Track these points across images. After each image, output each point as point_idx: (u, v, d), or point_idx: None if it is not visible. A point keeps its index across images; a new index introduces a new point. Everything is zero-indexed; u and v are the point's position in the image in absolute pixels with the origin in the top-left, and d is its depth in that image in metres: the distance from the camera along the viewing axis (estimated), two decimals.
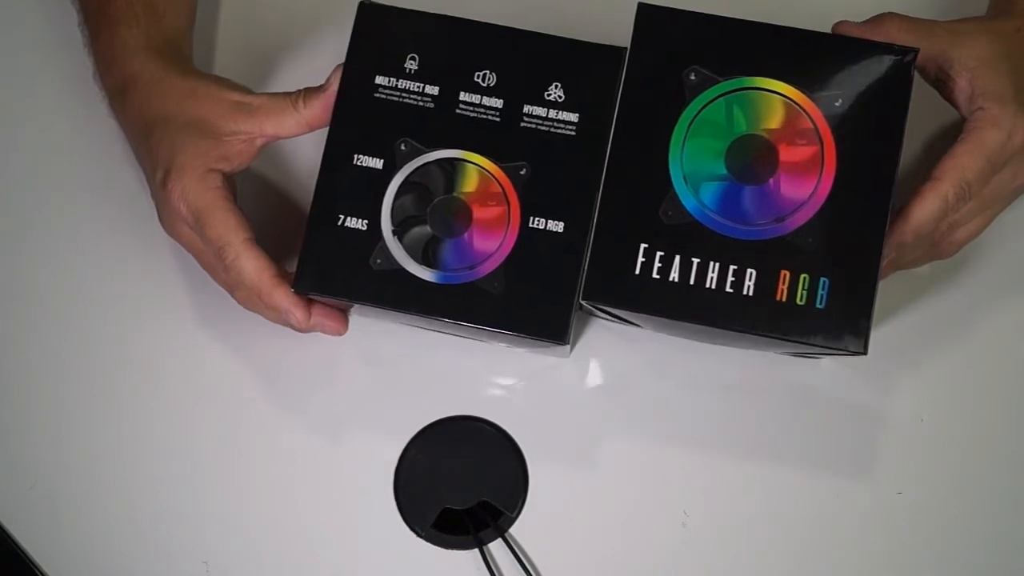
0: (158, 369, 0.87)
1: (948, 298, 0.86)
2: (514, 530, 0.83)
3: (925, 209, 0.75)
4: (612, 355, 0.86)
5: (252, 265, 0.78)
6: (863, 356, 0.82)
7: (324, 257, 0.76)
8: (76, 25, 0.89)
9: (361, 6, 0.78)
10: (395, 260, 0.75)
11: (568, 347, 0.82)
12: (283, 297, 0.78)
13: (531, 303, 0.75)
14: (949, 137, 0.77)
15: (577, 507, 0.84)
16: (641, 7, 0.77)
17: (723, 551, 0.83)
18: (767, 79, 0.76)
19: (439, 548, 0.84)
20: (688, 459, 0.84)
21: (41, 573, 0.84)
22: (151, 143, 0.81)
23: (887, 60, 0.75)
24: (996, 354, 0.85)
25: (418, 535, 0.84)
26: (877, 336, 0.82)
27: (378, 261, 0.76)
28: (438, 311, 0.75)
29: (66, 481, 0.85)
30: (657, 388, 0.85)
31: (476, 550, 0.83)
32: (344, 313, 0.83)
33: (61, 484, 0.85)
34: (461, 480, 0.84)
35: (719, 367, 0.85)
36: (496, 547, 0.83)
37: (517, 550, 0.83)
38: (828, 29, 0.78)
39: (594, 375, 0.86)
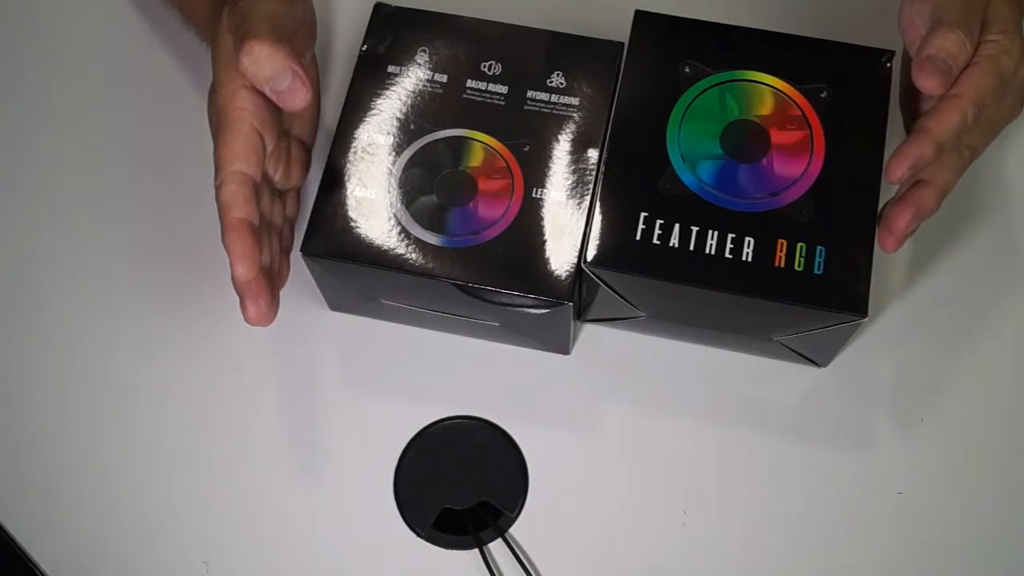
0: (158, 369, 0.88)
1: (948, 298, 0.87)
2: (514, 530, 0.83)
3: (948, 122, 0.73)
4: (612, 356, 0.87)
5: (226, 198, 0.75)
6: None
7: (332, 222, 0.78)
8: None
9: (376, 7, 0.84)
10: (402, 225, 0.78)
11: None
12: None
13: (535, 266, 0.77)
14: None
15: (577, 507, 0.83)
16: (638, 13, 0.82)
17: (723, 551, 0.82)
18: (756, 72, 0.80)
19: (439, 548, 0.83)
20: (688, 459, 0.84)
21: (41, 573, 0.83)
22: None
23: (867, 59, 0.79)
24: (996, 354, 0.86)
25: (418, 535, 0.83)
26: (876, 337, 0.85)
27: (386, 227, 0.78)
28: (442, 273, 0.77)
29: (66, 481, 0.85)
30: (657, 389, 0.86)
31: (476, 550, 0.82)
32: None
33: (61, 484, 0.85)
34: (461, 480, 0.84)
35: (721, 368, 0.86)
36: (496, 547, 0.83)
37: (517, 550, 0.82)
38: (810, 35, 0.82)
39: (594, 375, 0.87)
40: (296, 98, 0.75)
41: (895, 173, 0.72)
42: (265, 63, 0.73)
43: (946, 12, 0.74)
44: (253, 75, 0.74)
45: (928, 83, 0.72)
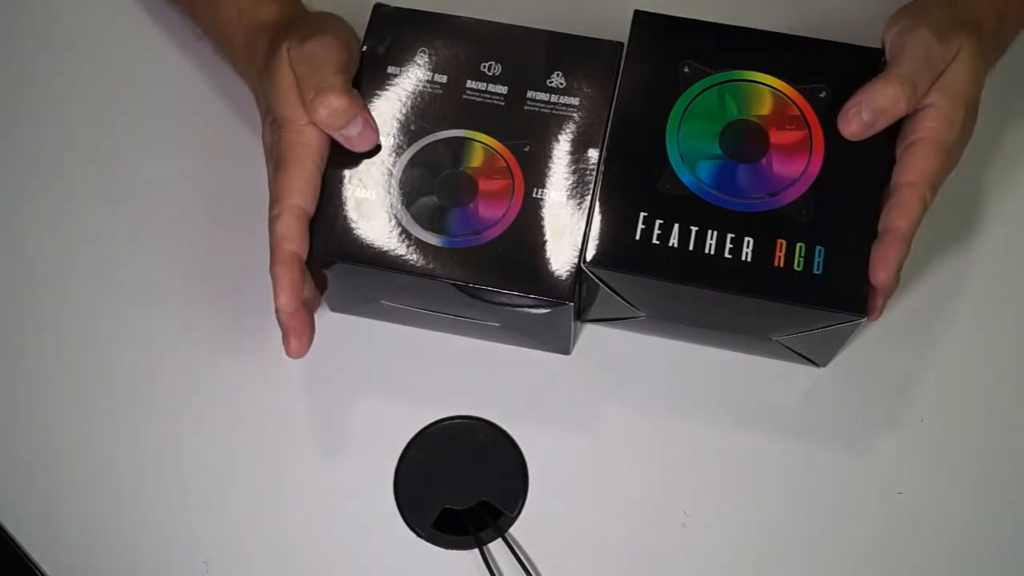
0: (157, 370, 0.88)
1: (947, 299, 0.87)
2: (514, 530, 0.83)
3: (913, 214, 0.75)
4: (612, 356, 0.87)
5: (281, 230, 0.77)
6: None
7: (333, 223, 0.78)
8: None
9: (376, 7, 0.84)
10: (402, 226, 0.78)
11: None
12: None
13: (535, 266, 0.77)
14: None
15: (577, 507, 0.84)
16: (638, 13, 0.82)
17: (723, 551, 0.82)
18: (755, 72, 0.80)
19: (439, 548, 0.83)
20: (688, 459, 0.84)
21: (41, 573, 0.83)
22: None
23: (866, 59, 0.79)
24: (996, 354, 0.86)
25: (418, 535, 0.83)
26: (876, 337, 0.85)
27: (386, 228, 0.78)
28: (443, 273, 0.77)
29: (66, 481, 0.85)
30: (657, 389, 0.86)
31: (476, 550, 0.82)
32: None
33: (61, 484, 0.85)
34: (461, 480, 0.84)
35: (721, 368, 0.86)
36: (496, 547, 0.83)
37: (517, 550, 0.82)
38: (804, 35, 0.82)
39: (594, 375, 0.87)
40: (365, 143, 0.79)
41: (883, 279, 0.74)
42: (342, 115, 0.77)
43: (901, 59, 0.76)
44: (328, 125, 0.78)
45: (846, 130, 0.77)
